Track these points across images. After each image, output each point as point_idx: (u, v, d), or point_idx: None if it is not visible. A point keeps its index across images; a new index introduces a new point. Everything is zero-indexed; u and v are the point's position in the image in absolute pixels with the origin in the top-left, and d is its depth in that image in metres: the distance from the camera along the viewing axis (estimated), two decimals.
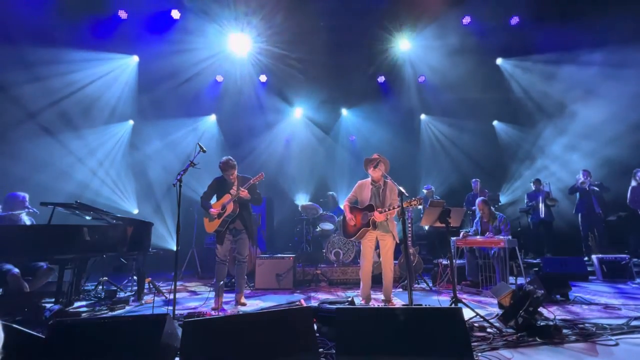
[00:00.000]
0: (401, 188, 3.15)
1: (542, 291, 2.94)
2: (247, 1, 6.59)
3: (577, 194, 6.61)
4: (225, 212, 3.76)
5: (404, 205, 3.33)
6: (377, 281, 4.08)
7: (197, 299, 4.42)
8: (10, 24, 5.73)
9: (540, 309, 2.81)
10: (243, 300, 3.93)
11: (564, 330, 2.57)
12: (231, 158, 3.92)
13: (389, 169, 3.85)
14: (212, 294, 3.89)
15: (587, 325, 2.73)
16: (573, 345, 2.36)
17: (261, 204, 4.19)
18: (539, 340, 2.42)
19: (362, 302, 3.75)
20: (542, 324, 2.57)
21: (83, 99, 6.97)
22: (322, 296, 4.46)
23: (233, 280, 4.63)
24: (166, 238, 7.85)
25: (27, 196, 4.05)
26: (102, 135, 7.61)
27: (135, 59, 7.40)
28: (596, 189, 6.40)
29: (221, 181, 3.96)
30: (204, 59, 7.49)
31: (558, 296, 3.88)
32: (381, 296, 3.88)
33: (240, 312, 3.45)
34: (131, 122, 8.12)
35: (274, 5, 6.63)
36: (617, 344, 2.35)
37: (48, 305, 3.28)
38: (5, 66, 5.93)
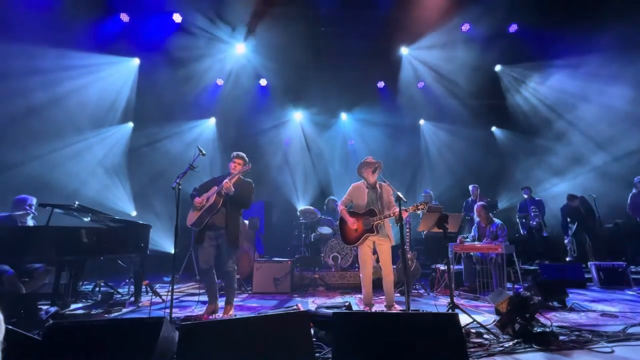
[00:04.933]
0: (399, 193, 3.16)
1: (539, 298, 2.95)
2: (248, 6, 6.64)
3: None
4: (207, 203, 3.48)
5: (411, 210, 3.35)
6: (375, 286, 4.05)
7: (194, 302, 4.40)
8: (12, 23, 5.76)
9: (537, 316, 2.81)
10: (232, 312, 3.58)
11: (561, 337, 2.58)
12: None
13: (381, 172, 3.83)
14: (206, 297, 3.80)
15: (583, 332, 2.74)
16: (569, 352, 2.37)
17: (248, 208, 3.82)
18: (535, 347, 2.42)
19: (366, 308, 3.67)
20: (539, 330, 2.58)
21: (83, 100, 6.97)
22: (320, 300, 4.46)
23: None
24: (164, 241, 7.83)
25: (30, 198, 4.03)
26: (101, 137, 7.61)
27: (136, 61, 7.43)
28: (593, 195, 6.48)
29: (219, 179, 3.73)
30: (204, 62, 7.52)
31: (555, 303, 3.88)
32: (382, 301, 3.84)
33: (237, 317, 3.43)
34: (131, 124, 8.14)
35: (276, 10, 6.68)
36: (613, 351, 2.35)
37: (44, 307, 3.27)
38: (6, 64, 5.94)
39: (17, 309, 3.10)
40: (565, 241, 6.58)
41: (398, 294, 4.78)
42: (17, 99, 6.10)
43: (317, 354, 2.19)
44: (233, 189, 3.45)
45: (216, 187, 3.52)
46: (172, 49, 7.14)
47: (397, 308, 3.69)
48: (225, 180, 3.43)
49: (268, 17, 6.84)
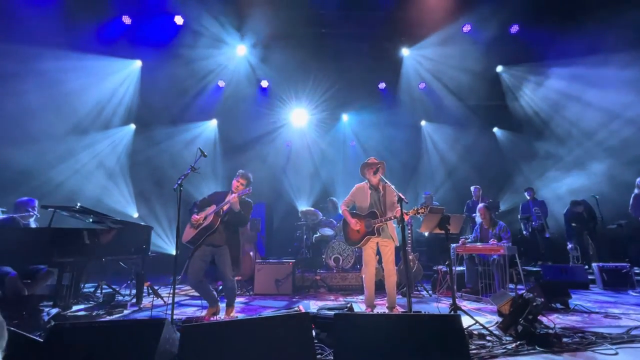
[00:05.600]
0: (400, 195, 3.15)
1: (542, 299, 2.93)
2: (249, 8, 6.66)
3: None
4: (204, 222, 3.46)
5: (411, 213, 3.32)
6: (376, 287, 4.03)
7: (196, 304, 4.40)
8: (17, 27, 5.80)
9: (540, 317, 2.80)
10: (233, 313, 3.63)
11: (564, 339, 2.57)
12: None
13: (384, 172, 3.80)
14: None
15: (587, 334, 2.72)
16: (573, 354, 2.35)
17: (245, 227, 3.75)
18: (538, 348, 2.41)
19: (368, 310, 3.64)
20: (541, 332, 2.56)
21: (86, 102, 7.01)
22: (321, 302, 4.44)
23: (219, 287, 4.49)
24: (166, 242, 7.84)
25: (32, 200, 4.04)
26: (103, 139, 7.65)
27: (138, 63, 7.46)
28: (596, 196, 6.46)
29: (219, 195, 3.70)
30: (206, 64, 7.54)
31: (558, 304, 3.86)
32: (384, 303, 3.83)
33: (239, 318, 3.42)
34: (133, 126, 8.17)
35: (277, 12, 6.70)
36: (616, 353, 2.34)
37: (46, 309, 3.28)
38: (9, 67, 5.98)
39: (20, 311, 3.11)
40: (568, 247, 6.54)
41: (399, 296, 4.77)
42: (20, 101, 6.14)
43: (318, 356, 2.19)
44: (238, 207, 3.39)
45: (215, 207, 3.47)
46: (173, 50, 7.17)
47: (399, 309, 3.67)
48: (232, 196, 3.37)
49: (270, 19, 6.85)
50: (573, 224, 6.52)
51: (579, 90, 7.43)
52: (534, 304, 2.71)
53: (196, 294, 5.09)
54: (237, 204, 3.38)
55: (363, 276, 3.75)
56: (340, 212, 4.99)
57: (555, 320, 3.12)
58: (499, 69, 8.30)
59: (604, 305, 4.07)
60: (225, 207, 3.46)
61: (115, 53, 6.98)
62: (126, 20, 6.69)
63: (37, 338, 1.96)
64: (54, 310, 3.18)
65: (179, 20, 6.83)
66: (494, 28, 7.16)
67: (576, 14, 6.64)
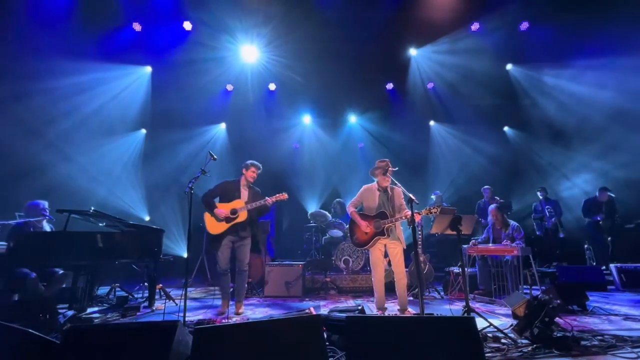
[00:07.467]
0: (411, 195, 3.12)
1: (558, 301, 2.86)
2: (256, 12, 6.72)
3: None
4: (236, 218, 3.77)
5: (423, 213, 3.30)
6: (387, 289, 4.01)
7: (207, 306, 4.43)
8: (27, 36, 5.96)
9: (557, 320, 2.73)
10: (241, 309, 3.90)
11: (582, 342, 2.50)
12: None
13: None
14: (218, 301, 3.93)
15: (606, 337, 2.64)
16: (592, 357, 2.29)
17: (266, 213, 4.24)
18: (556, 352, 2.35)
19: (379, 312, 3.63)
20: (559, 335, 2.50)
21: (97, 108, 7.15)
22: (332, 304, 4.42)
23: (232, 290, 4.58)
24: (177, 245, 7.93)
25: (46, 203, 4.15)
26: (114, 144, 7.79)
27: (148, 69, 7.59)
28: (612, 195, 6.30)
29: (230, 185, 3.98)
30: (214, 68, 7.62)
31: (575, 307, 3.77)
32: (394, 305, 3.81)
33: (250, 320, 3.42)
34: (143, 130, 8.30)
35: (283, 16, 6.74)
36: (638, 358, 2.26)
37: (61, 311, 3.34)
38: (22, 75, 6.14)
39: (37, 312, 3.18)
40: (586, 247, 6.39)
41: (411, 297, 4.72)
42: (34, 109, 6.31)
43: (330, 359, 2.17)
44: (270, 206, 3.94)
45: (243, 204, 3.82)
46: (182, 56, 7.26)
47: (411, 312, 3.64)
48: (269, 200, 3.85)
49: (276, 23, 6.90)
50: (598, 219, 6.34)
51: (591, 89, 7.26)
52: (551, 306, 2.64)
53: (205, 296, 5.16)
54: (270, 204, 3.90)
55: (373, 279, 3.73)
56: (348, 213, 4.95)
57: (572, 323, 3.05)
58: (509, 67, 8.18)
59: (623, 307, 3.95)
60: (257, 204, 3.83)
61: (126, 59, 7.10)
62: (136, 27, 6.82)
63: (54, 339, 2.00)
64: (70, 312, 3.25)
65: (187, 25, 6.93)
66: (503, 26, 7.05)
67: (589, 11, 6.49)
